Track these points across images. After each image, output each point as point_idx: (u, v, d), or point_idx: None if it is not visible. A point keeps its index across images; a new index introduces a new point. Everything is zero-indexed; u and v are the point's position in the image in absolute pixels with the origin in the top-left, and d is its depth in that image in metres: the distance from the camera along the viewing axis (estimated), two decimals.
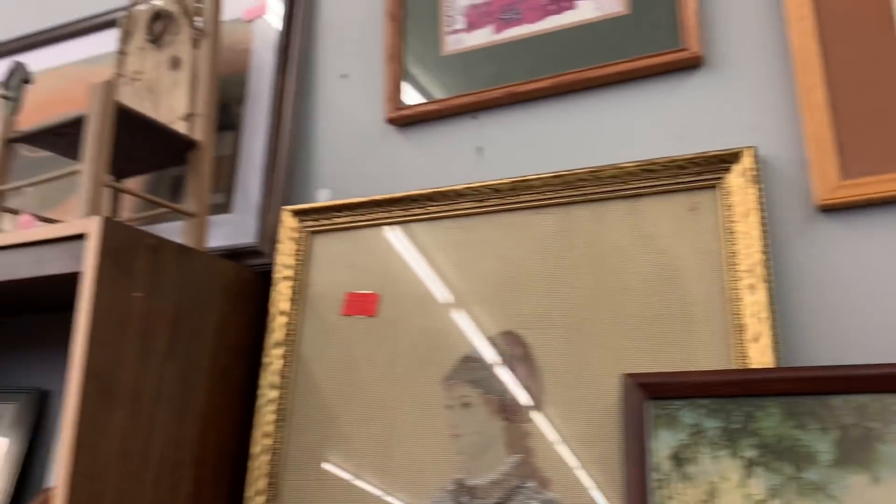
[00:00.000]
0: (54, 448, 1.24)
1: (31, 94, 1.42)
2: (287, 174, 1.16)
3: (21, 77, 1.12)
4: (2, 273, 0.90)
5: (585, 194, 0.95)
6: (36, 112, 1.47)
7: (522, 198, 0.99)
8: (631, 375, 0.83)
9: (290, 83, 1.21)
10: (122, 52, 1.26)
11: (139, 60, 1.23)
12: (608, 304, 0.91)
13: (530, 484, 0.87)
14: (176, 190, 1.25)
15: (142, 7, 1.24)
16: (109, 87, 1.00)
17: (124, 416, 0.85)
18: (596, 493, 0.84)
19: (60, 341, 1.16)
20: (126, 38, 1.26)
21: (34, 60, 1.50)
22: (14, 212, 1.12)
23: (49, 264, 0.87)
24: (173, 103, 1.16)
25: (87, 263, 0.84)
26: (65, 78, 1.47)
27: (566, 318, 0.92)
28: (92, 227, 0.85)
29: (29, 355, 1.31)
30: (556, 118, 1.04)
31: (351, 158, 1.17)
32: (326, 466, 0.98)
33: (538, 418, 0.89)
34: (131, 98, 1.19)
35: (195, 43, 1.18)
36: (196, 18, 1.19)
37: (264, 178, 1.17)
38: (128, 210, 1.26)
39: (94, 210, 0.95)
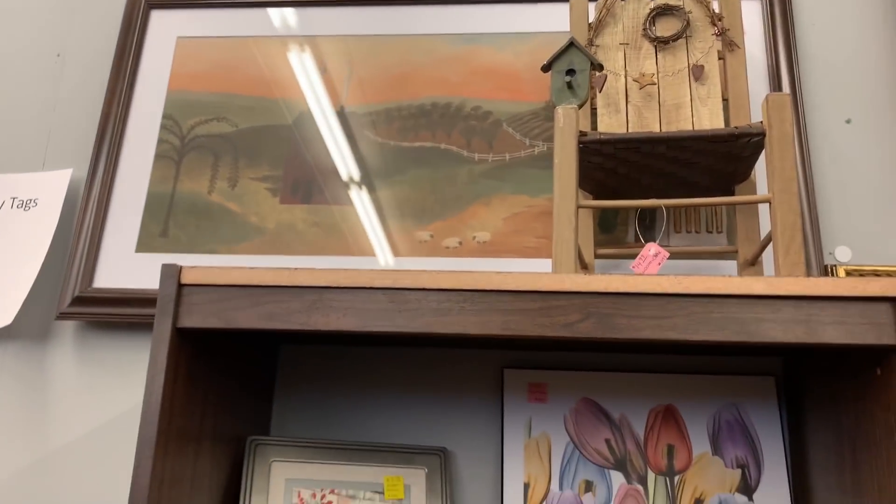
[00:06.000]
0: None
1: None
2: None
3: (587, 59, 0.87)
4: (792, 332, 0.69)
5: None
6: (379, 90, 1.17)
7: None
8: None
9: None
10: (592, 44, 1.04)
11: (634, 60, 1.01)
12: None
13: None
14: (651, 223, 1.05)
15: None
16: (784, 100, 0.81)
17: None
18: None
19: None
20: (599, 27, 1.04)
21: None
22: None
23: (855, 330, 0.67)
24: (699, 121, 0.98)
25: None
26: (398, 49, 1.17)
27: None
28: None
29: None
30: None
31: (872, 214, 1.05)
32: None
33: None
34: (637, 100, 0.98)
35: (719, 54, 1.01)
36: (719, 25, 1.01)
37: None
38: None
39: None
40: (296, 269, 0.74)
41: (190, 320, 0.75)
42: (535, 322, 0.72)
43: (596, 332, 0.71)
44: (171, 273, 0.75)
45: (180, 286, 0.75)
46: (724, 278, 0.70)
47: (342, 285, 0.74)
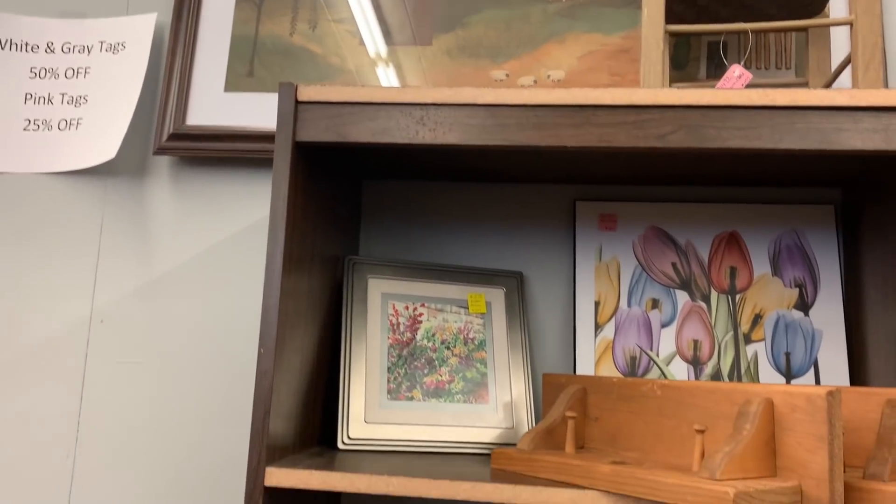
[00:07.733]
0: None
1: None
2: None
3: None
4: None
5: None
6: None
7: None
8: None
9: None
10: None
11: None
12: None
13: None
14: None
15: None
16: None
17: None
18: None
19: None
20: None
21: None
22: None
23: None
24: None
25: None
26: None
27: None
28: None
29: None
30: None
31: None
32: None
33: None
34: None
35: None
36: None
37: None
38: None
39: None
40: (404, 87, 0.80)
41: (306, 135, 0.81)
42: (629, 134, 0.77)
43: (686, 143, 0.77)
44: (288, 91, 0.81)
45: (297, 103, 0.81)
46: (808, 91, 0.75)
47: (447, 102, 0.79)
